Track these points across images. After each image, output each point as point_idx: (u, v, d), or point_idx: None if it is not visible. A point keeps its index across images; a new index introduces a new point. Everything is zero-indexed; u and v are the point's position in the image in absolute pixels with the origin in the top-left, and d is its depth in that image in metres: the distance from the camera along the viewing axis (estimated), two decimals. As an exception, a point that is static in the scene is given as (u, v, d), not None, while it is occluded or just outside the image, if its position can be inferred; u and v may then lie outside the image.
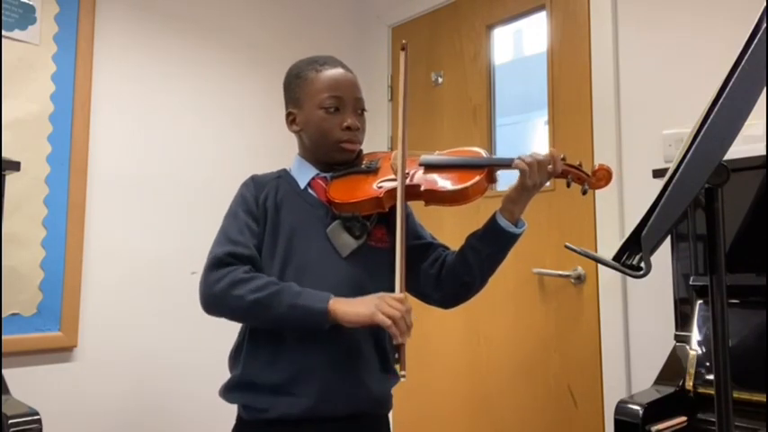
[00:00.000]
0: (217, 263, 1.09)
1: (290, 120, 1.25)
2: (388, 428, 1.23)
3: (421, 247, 1.24)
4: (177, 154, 2.08)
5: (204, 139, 2.15)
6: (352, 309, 1.03)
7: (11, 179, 1.58)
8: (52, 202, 1.78)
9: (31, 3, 1.78)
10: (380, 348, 1.16)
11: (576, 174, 1.13)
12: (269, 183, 1.22)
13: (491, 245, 1.16)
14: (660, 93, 1.69)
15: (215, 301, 1.08)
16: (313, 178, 1.22)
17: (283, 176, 1.25)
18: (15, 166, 1.47)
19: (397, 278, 1.06)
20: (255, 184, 1.22)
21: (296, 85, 1.23)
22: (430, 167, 1.17)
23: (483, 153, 1.19)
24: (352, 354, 1.12)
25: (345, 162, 1.22)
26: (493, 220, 1.15)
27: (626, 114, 1.77)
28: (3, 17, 1.70)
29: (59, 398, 1.75)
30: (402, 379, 1.00)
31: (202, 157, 2.14)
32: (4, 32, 1.70)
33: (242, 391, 1.13)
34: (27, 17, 1.77)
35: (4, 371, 1.37)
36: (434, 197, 1.15)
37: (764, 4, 0.68)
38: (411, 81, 2.46)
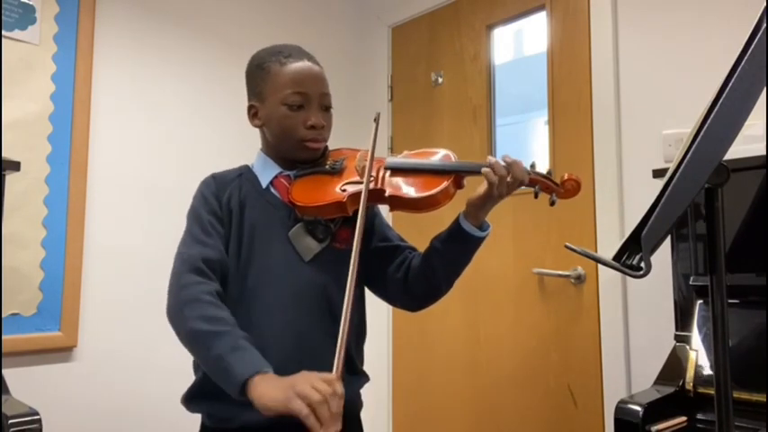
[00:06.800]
0: (190, 268, 1.04)
1: (252, 113, 1.19)
2: (360, 429, 1.18)
3: (387, 250, 1.20)
4: (177, 154, 2.08)
5: (205, 139, 2.15)
6: (268, 392, 0.88)
7: (11, 179, 1.58)
8: (52, 202, 1.78)
9: (30, 3, 1.78)
10: (345, 351, 1.10)
11: (543, 184, 1.10)
12: (231, 182, 1.17)
13: (455, 248, 1.12)
14: (660, 93, 1.69)
15: (170, 310, 1.03)
16: (276, 177, 1.17)
17: (245, 174, 1.19)
18: (15, 166, 1.47)
19: (338, 353, 0.90)
20: (217, 184, 1.16)
21: (258, 77, 1.17)
22: (396, 171, 1.13)
23: (452, 156, 1.15)
24: (316, 358, 1.03)
25: (310, 160, 1.17)
26: (457, 223, 1.11)
27: (626, 114, 1.77)
28: (3, 17, 1.70)
29: (59, 398, 1.75)
30: None
31: (203, 156, 2.13)
32: (4, 32, 1.70)
33: (204, 400, 1.09)
34: (27, 17, 1.77)
35: (4, 371, 1.37)
36: (399, 203, 1.10)
37: (764, 4, 0.68)
38: (411, 81, 2.47)
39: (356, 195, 1.08)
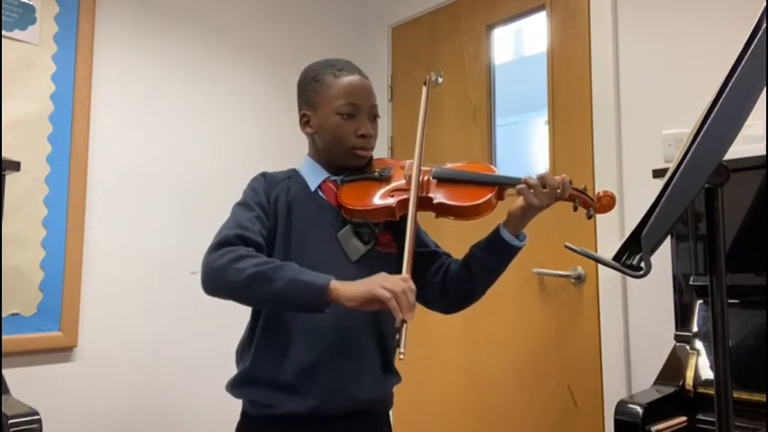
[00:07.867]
0: (223, 242, 1.08)
1: (304, 121, 1.25)
2: (389, 426, 1.26)
3: (425, 255, 1.25)
4: (177, 154, 2.08)
5: (204, 140, 2.15)
6: (353, 287, 1.01)
7: (11, 179, 1.57)
8: (52, 202, 1.78)
9: (30, 3, 1.78)
10: (383, 350, 1.19)
11: (582, 199, 1.18)
12: (280, 182, 1.23)
13: (494, 256, 1.19)
14: (660, 93, 1.69)
15: (215, 276, 1.05)
16: (324, 181, 1.23)
17: (293, 177, 1.26)
18: (15, 166, 1.47)
19: (405, 260, 1.05)
20: (267, 181, 1.23)
21: (312, 88, 1.23)
22: (443, 180, 1.20)
23: (495, 169, 1.23)
24: (357, 355, 1.15)
25: (357, 167, 1.24)
26: (496, 232, 1.18)
27: (626, 114, 1.77)
28: (3, 17, 1.70)
29: (59, 398, 1.75)
30: (401, 357, 0.94)
31: (202, 157, 2.14)
32: (4, 32, 1.70)
33: (249, 386, 1.15)
34: (27, 17, 1.77)
35: (4, 371, 1.37)
36: (446, 211, 1.17)
37: (764, 4, 0.68)
38: (410, 81, 2.47)
39: (405, 201, 1.15)
